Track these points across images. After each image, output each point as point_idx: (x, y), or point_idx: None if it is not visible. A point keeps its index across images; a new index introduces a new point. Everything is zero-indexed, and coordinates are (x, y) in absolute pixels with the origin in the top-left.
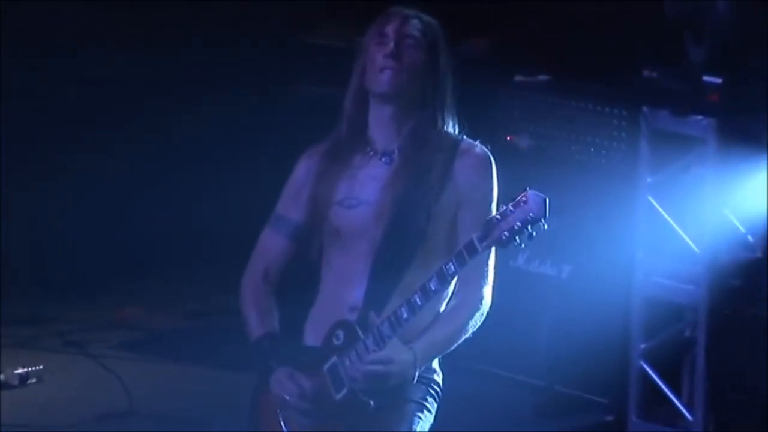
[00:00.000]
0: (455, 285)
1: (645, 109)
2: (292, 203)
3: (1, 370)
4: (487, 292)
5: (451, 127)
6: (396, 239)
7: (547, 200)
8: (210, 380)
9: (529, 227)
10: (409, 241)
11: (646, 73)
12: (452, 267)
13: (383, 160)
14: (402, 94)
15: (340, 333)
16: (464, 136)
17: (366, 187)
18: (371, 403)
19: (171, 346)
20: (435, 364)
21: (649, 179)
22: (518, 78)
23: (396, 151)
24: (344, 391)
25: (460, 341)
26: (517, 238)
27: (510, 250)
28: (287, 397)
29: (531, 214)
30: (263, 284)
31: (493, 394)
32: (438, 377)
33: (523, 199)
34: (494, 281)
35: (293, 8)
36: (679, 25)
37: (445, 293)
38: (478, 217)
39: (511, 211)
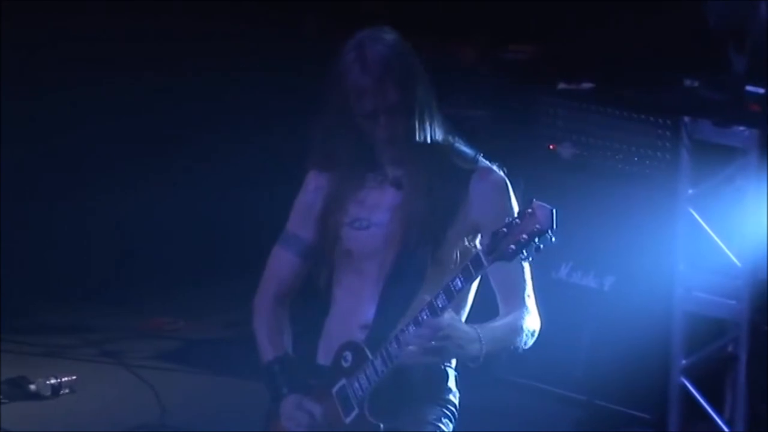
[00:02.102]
0: (500, 303)
1: (686, 119)
2: (303, 221)
3: (34, 380)
4: (534, 308)
5: (450, 137)
6: (406, 263)
7: (554, 211)
8: (246, 392)
9: (536, 239)
10: (420, 266)
11: (687, 82)
12: (459, 283)
13: (393, 183)
14: (392, 115)
15: (348, 355)
16: (480, 157)
17: (376, 209)
18: (381, 426)
19: (208, 356)
20: (452, 383)
21: (690, 191)
22: (561, 86)
23: (405, 175)
24: (354, 415)
25: (515, 349)
26: (523, 250)
27: (552, 262)
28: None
29: (537, 226)
30: (274, 304)
31: (532, 408)
32: (454, 398)
33: (529, 210)
34: (537, 293)
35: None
36: (721, 34)
37: (461, 313)
38: None
39: (517, 222)
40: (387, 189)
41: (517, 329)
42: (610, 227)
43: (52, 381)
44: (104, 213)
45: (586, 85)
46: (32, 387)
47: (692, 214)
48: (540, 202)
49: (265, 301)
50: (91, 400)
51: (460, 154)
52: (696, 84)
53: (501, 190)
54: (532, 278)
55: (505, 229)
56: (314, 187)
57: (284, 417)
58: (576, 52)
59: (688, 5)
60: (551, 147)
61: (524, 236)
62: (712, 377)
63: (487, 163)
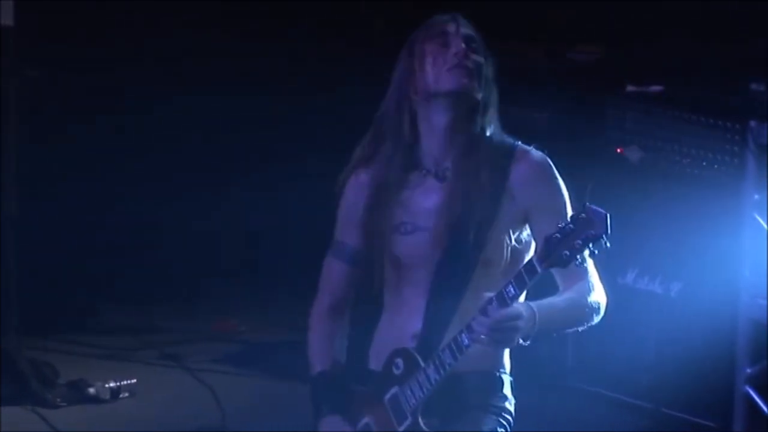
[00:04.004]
0: (559, 281)
1: (752, 123)
2: (349, 228)
3: (93, 383)
4: (598, 281)
5: (498, 132)
6: (451, 265)
7: (608, 216)
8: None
9: (591, 244)
10: (466, 266)
11: (753, 86)
12: (512, 290)
13: (436, 180)
14: (467, 96)
15: (400, 362)
16: (519, 142)
17: (421, 211)
18: None
19: (273, 360)
20: (507, 390)
21: (756, 196)
22: (629, 88)
23: (449, 170)
24: (407, 423)
25: (577, 322)
26: (578, 256)
27: (618, 267)
28: None
29: (591, 231)
30: (327, 315)
31: (598, 415)
32: (510, 405)
33: (583, 215)
34: None
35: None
36: None
37: None
38: (556, 225)
39: (571, 228)
40: (430, 187)
41: (580, 306)
42: (678, 232)
43: (111, 384)
44: (175, 217)
45: (654, 88)
46: (91, 390)
47: (758, 220)
48: (594, 206)
49: (319, 313)
50: (151, 403)
51: (499, 142)
52: (762, 88)
53: (542, 168)
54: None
55: (558, 235)
56: (355, 190)
57: None
58: (644, 54)
59: (755, 6)
60: (618, 150)
61: (578, 242)
62: None
63: (525, 146)
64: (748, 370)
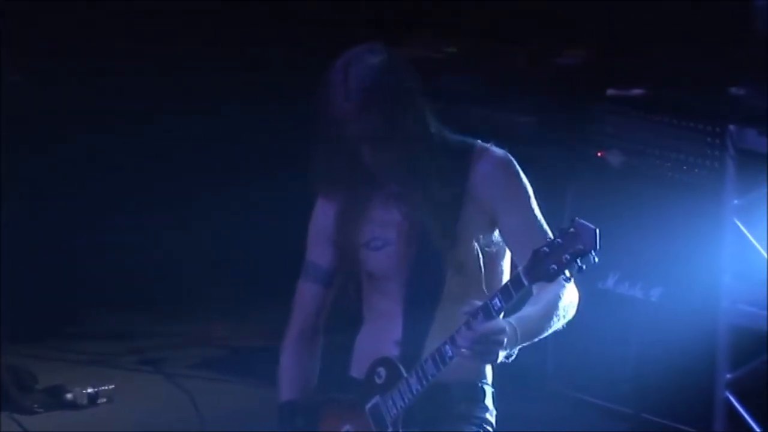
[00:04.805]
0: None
1: (731, 127)
2: (320, 248)
3: (71, 389)
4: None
5: (435, 127)
6: (421, 275)
7: (597, 231)
8: None
9: (579, 260)
10: (437, 275)
11: (733, 90)
12: (498, 303)
13: (396, 198)
14: (374, 143)
15: (382, 371)
16: (479, 141)
17: (387, 226)
18: None
19: (254, 365)
20: (489, 401)
21: (735, 201)
22: (611, 91)
23: (405, 184)
24: None
25: (554, 326)
26: (565, 271)
27: (599, 272)
28: None
29: (580, 246)
30: (299, 340)
31: (578, 420)
32: (491, 416)
33: (571, 230)
34: (583, 303)
35: None
36: None
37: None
38: (524, 220)
39: (559, 242)
40: (392, 205)
41: (556, 311)
42: (659, 237)
43: (89, 390)
44: (158, 223)
45: (635, 92)
46: (69, 396)
47: (737, 225)
48: (582, 221)
49: (291, 338)
50: (129, 409)
51: (455, 143)
52: (742, 92)
53: (503, 165)
54: (578, 285)
55: (546, 248)
56: (324, 210)
57: None
58: (625, 58)
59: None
60: (599, 154)
61: (566, 256)
62: (759, 393)
63: (484, 144)
64: (728, 376)
